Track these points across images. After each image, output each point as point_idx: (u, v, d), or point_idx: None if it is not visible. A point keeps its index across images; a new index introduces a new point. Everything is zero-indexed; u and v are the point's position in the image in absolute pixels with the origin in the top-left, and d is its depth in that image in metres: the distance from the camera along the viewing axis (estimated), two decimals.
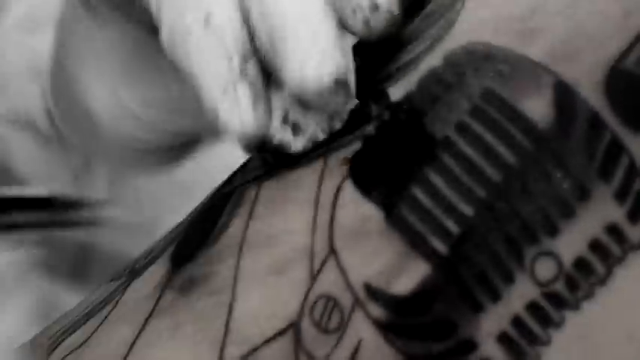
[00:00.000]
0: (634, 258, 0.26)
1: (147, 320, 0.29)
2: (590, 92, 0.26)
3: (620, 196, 0.26)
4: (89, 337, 0.30)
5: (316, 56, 0.27)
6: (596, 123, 0.26)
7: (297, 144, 0.29)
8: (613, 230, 0.26)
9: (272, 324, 0.27)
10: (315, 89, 0.27)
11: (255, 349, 0.27)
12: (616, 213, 0.26)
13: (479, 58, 0.27)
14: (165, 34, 0.29)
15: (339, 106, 0.28)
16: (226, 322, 0.27)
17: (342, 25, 0.28)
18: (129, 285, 0.30)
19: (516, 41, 0.27)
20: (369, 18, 0.28)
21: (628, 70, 0.27)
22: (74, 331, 0.31)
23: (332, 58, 0.27)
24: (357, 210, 0.27)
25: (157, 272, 0.30)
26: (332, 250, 0.27)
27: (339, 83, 0.27)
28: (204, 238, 0.29)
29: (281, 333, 0.27)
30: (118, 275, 0.32)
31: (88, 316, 0.31)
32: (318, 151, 0.28)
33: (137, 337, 0.29)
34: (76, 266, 0.48)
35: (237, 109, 0.28)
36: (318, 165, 0.28)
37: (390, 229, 0.27)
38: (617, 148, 0.26)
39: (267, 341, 0.27)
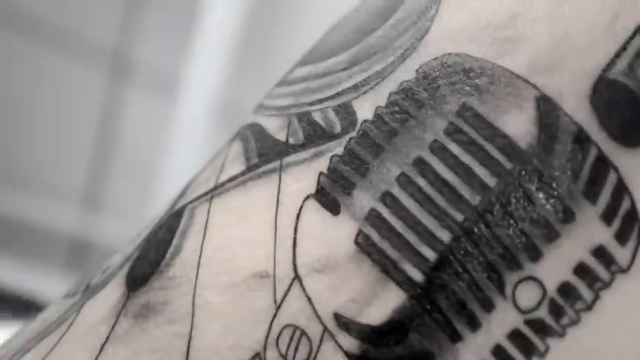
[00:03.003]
0: (622, 281, 0.25)
1: (102, 347, 0.27)
2: (575, 106, 0.24)
3: (608, 216, 0.24)
4: None
5: None
6: (581, 139, 0.24)
7: None
8: (600, 253, 0.24)
9: (235, 355, 0.25)
10: None
11: None
12: (603, 235, 0.24)
13: (455, 71, 0.25)
14: None
15: None
16: (186, 353, 0.26)
17: None
18: (84, 304, 0.28)
19: (494, 51, 0.25)
20: None
21: (615, 80, 0.25)
22: (27, 352, 0.29)
23: None
24: (323, 232, 0.25)
25: (112, 293, 0.28)
26: (296, 276, 0.25)
27: None
28: (159, 260, 0.27)
29: None
30: (72, 291, 0.30)
31: (41, 335, 0.29)
32: (270, 165, 0.27)
33: None
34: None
35: None
36: (272, 181, 0.26)
37: (360, 254, 0.25)
38: (603, 165, 0.24)
39: None
